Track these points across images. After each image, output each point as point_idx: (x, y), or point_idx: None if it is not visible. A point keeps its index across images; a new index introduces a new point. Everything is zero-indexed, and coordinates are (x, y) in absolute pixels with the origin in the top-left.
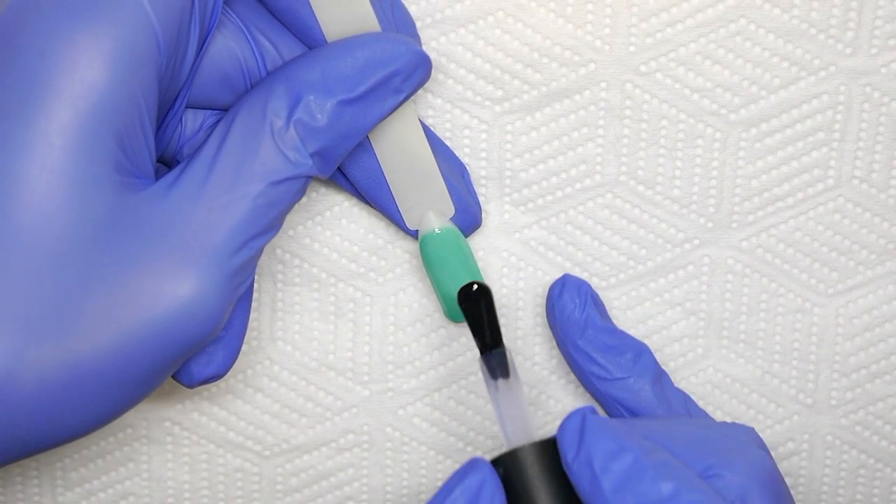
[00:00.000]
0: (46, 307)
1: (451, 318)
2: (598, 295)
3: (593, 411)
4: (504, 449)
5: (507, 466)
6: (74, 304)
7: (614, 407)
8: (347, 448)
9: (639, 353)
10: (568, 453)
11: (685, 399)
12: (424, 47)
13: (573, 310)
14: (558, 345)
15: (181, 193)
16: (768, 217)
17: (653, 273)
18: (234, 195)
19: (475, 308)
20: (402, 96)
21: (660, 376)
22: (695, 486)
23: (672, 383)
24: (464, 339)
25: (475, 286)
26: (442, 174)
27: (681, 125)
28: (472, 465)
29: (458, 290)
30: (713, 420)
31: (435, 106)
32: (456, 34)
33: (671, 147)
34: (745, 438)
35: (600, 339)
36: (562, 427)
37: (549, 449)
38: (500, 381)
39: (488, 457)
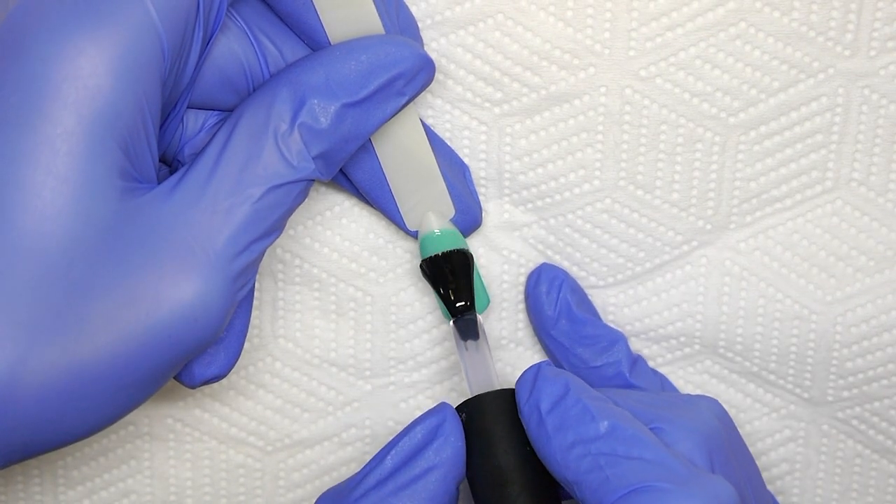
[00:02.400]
0: (50, 312)
1: (450, 318)
2: (575, 283)
3: (549, 364)
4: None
5: (469, 411)
6: (78, 309)
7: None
8: (350, 442)
9: (613, 341)
10: (521, 398)
11: (662, 381)
12: (425, 48)
13: (547, 300)
14: (536, 334)
15: (183, 197)
16: (766, 218)
17: (650, 273)
18: (237, 199)
19: (445, 276)
20: (404, 99)
21: (635, 362)
22: (631, 423)
23: (648, 368)
24: None
25: (446, 253)
26: (442, 175)
27: (680, 130)
28: (435, 407)
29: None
30: (678, 393)
31: (435, 106)
32: (456, 36)
33: (670, 152)
34: (701, 405)
35: (574, 328)
36: (519, 377)
37: (508, 397)
38: (470, 342)
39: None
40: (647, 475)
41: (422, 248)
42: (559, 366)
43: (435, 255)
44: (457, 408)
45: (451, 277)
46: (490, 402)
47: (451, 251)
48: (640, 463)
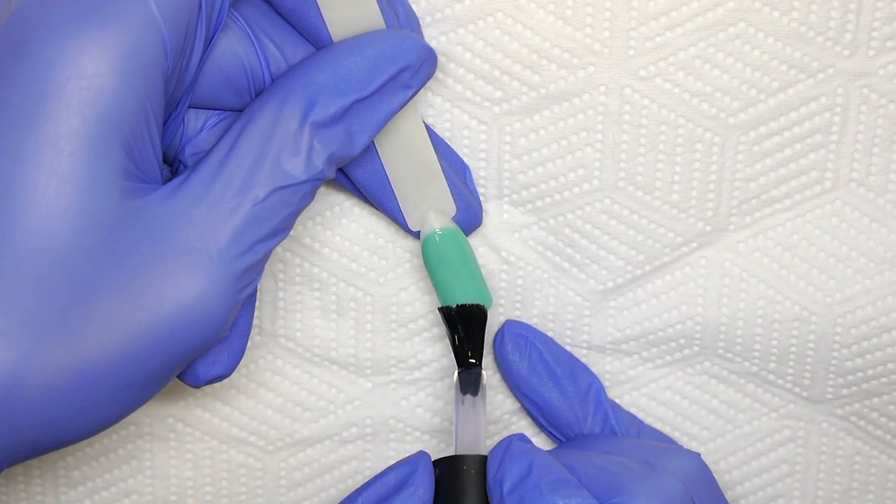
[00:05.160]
0: (54, 311)
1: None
2: (542, 336)
3: (521, 438)
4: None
5: (443, 468)
6: (82, 308)
7: (566, 436)
8: (350, 441)
9: (582, 394)
10: (489, 472)
11: (639, 426)
12: None
13: (514, 360)
14: (510, 391)
15: (187, 197)
16: (766, 219)
17: (649, 276)
18: (241, 199)
19: (461, 327)
20: (410, 91)
21: (611, 410)
22: None
23: (624, 414)
24: None
25: (466, 306)
26: (444, 173)
27: (680, 130)
28: (412, 455)
29: (446, 303)
30: (655, 443)
31: (434, 105)
32: (455, 34)
33: (670, 152)
34: (672, 468)
35: (543, 386)
36: (491, 450)
37: (481, 464)
38: (468, 397)
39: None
40: None
41: (424, 247)
42: (539, 417)
43: (456, 306)
44: (434, 461)
45: (466, 330)
46: (465, 466)
47: (471, 305)
48: None
